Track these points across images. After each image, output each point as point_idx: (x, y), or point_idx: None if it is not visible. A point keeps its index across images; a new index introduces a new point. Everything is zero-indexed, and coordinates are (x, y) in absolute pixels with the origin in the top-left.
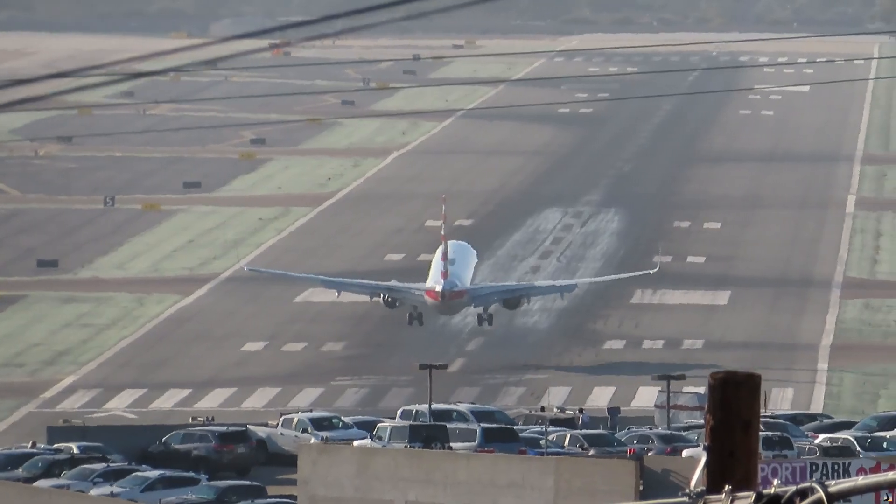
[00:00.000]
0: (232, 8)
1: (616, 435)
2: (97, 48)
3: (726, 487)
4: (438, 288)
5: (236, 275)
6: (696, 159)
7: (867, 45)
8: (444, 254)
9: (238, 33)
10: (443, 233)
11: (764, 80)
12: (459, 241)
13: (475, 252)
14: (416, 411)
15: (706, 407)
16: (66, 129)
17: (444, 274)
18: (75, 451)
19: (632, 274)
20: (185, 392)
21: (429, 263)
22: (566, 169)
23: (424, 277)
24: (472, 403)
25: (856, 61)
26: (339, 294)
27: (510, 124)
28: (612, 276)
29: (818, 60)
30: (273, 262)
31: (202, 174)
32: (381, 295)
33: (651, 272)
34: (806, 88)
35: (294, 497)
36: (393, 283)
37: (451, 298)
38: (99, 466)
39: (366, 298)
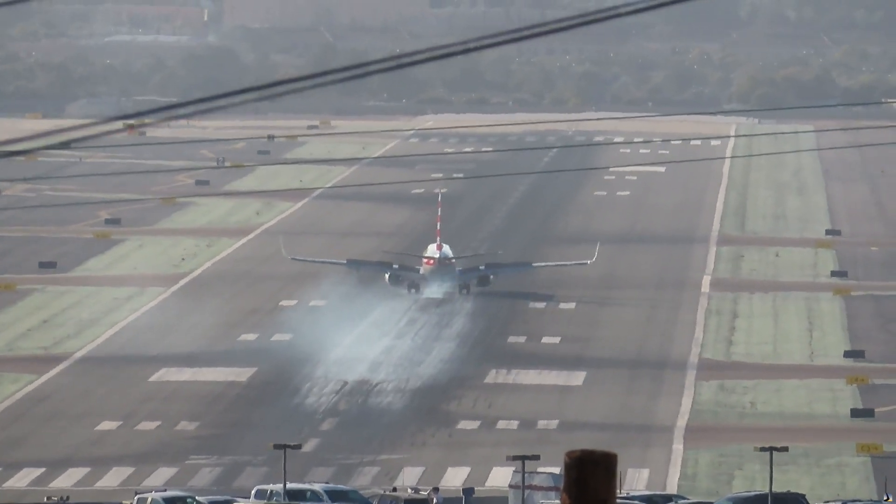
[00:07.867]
0: (87, 88)
1: None
2: None
3: None
4: (436, 255)
5: (90, 354)
6: (551, 239)
7: (723, 126)
8: (438, 239)
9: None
10: (438, 228)
11: (620, 160)
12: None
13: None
14: (271, 491)
15: (562, 486)
16: None
17: (439, 247)
18: None
19: (568, 262)
20: (40, 471)
21: (283, 342)
22: (421, 249)
23: (283, 359)
24: (327, 483)
25: (712, 141)
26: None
27: (365, 205)
28: (553, 263)
29: (674, 140)
30: (129, 342)
31: (57, 254)
32: (387, 273)
33: (588, 262)
34: (662, 169)
35: None
36: (395, 265)
37: (444, 263)
38: None
39: (219, 378)
